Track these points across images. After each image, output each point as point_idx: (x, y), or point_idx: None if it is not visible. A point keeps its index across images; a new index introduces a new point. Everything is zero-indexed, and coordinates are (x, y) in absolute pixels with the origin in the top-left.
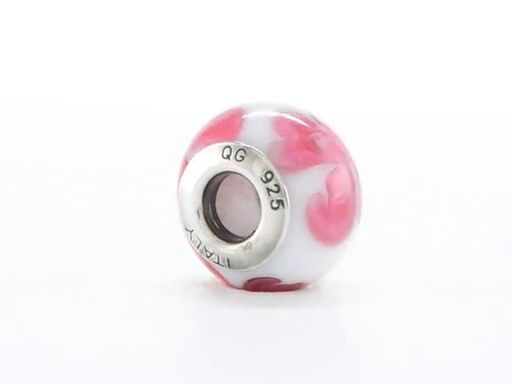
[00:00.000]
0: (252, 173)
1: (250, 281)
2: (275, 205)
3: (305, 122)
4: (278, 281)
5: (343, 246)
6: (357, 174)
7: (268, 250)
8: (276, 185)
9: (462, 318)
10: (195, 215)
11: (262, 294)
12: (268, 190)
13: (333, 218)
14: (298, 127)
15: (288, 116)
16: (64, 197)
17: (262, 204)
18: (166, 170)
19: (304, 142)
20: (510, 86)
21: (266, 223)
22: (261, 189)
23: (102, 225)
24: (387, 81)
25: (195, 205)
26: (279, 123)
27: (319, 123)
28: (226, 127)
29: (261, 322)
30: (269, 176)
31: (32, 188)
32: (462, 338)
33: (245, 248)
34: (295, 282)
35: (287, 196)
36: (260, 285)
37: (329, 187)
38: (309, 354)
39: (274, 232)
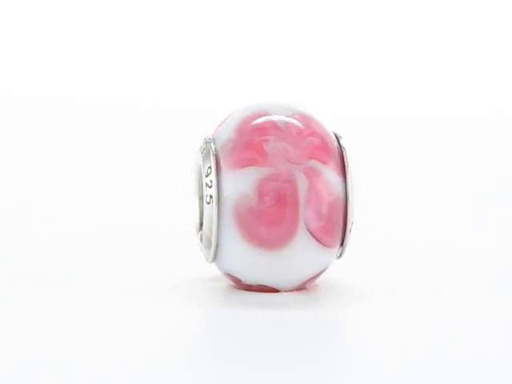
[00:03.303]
0: (203, 166)
1: (226, 276)
2: (208, 199)
3: (270, 124)
4: (239, 280)
5: (287, 251)
6: (322, 186)
7: (208, 244)
8: (211, 180)
9: (460, 320)
10: (196, 203)
11: (261, 294)
12: (206, 184)
13: (264, 222)
14: (256, 128)
15: (258, 116)
16: (70, 195)
17: (204, 198)
18: (178, 169)
19: (251, 143)
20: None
21: (205, 217)
22: (204, 182)
23: (111, 225)
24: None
25: (195, 193)
26: (244, 123)
27: (287, 128)
28: (218, 123)
29: (259, 322)
30: (208, 171)
31: (34, 188)
32: (461, 341)
33: (200, 240)
34: (255, 284)
35: (217, 192)
36: (234, 281)
37: (259, 190)
38: (303, 353)
39: (209, 227)
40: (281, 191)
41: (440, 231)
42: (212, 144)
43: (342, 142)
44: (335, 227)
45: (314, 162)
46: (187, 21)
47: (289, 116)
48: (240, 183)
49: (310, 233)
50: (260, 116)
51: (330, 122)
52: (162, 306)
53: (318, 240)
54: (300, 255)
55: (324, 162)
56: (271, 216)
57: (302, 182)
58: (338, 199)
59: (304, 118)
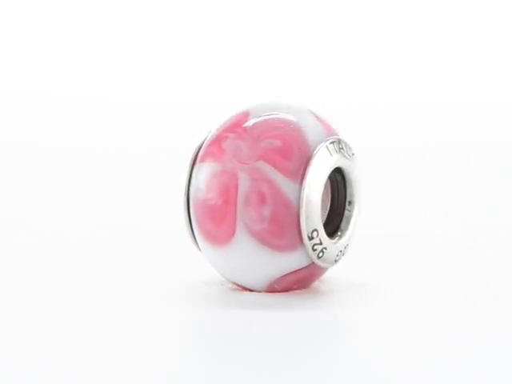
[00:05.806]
0: None
1: None
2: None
3: (242, 122)
4: (223, 276)
5: (230, 249)
6: (267, 188)
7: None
8: (186, 171)
9: (461, 320)
10: None
11: (260, 294)
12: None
13: (210, 218)
14: (229, 126)
15: (241, 115)
16: (66, 193)
17: None
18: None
19: (216, 139)
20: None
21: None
22: None
23: (110, 227)
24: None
25: None
26: (227, 120)
27: (252, 128)
28: None
29: (257, 323)
30: (190, 163)
31: (33, 189)
32: (463, 341)
33: None
34: (232, 281)
35: (187, 185)
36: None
37: (208, 185)
38: (300, 354)
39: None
40: (223, 188)
41: (443, 230)
42: (206, 138)
43: (321, 149)
44: (286, 232)
45: (262, 164)
46: (191, 20)
47: (266, 116)
48: (199, 176)
49: (252, 234)
50: (242, 114)
51: (341, 126)
52: (157, 306)
53: (263, 242)
54: (243, 255)
55: (275, 165)
56: (215, 212)
57: (243, 182)
58: (289, 204)
59: (285, 119)
